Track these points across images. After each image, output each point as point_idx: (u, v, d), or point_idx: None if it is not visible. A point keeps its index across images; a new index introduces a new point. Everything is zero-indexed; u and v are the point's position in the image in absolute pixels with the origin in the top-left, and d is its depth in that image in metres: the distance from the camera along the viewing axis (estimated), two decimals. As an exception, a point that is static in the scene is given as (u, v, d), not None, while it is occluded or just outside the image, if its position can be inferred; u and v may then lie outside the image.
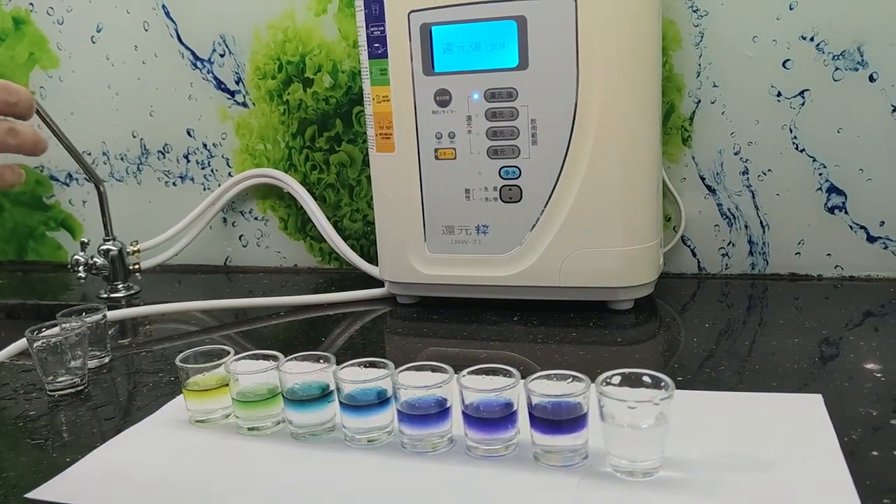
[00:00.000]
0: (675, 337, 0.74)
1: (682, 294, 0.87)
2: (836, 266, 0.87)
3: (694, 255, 0.92)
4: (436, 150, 0.78)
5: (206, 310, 0.87)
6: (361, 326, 0.82)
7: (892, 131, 0.82)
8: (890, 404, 0.55)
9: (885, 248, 0.85)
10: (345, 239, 0.99)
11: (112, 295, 0.97)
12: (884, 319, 0.76)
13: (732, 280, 0.90)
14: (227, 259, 1.09)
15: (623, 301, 0.79)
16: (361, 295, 0.88)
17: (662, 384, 0.47)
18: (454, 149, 0.78)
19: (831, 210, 0.86)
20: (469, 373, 0.51)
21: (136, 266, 0.99)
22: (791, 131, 0.85)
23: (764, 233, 0.89)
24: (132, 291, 0.98)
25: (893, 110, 0.82)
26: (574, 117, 0.74)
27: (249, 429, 0.56)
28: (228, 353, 0.58)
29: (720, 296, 0.86)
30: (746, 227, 0.89)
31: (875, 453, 0.48)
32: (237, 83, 1.02)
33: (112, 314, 0.81)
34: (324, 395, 0.54)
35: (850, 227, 0.86)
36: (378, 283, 0.89)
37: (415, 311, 0.84)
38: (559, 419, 0.48)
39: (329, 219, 1.00)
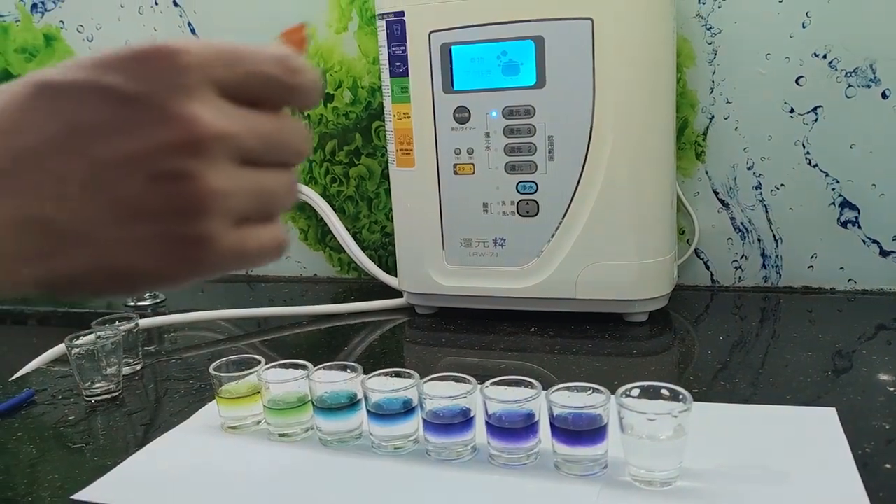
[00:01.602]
0: (689, 349, 0.75)
1: (696, 306, 0.88)
2: (849, 280, 0.89)
3: (707, 267, 0.93)
4: (455, 166, 0.80)
5: (230, 318, 0.89)
6: (381, 336, 0.84)
7: (903, 147, 0.84)
8: (900, 416, 0.56)
9: (897, 261, 0.86)
10: (363, 250, 1.01)
11: (139, 303, 0.99)
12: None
13: (746, 293, 0.91)
14: (248, 269, 1.12)
15: (638, 314, 0.80)
16: (381, 305, 0.90)
17: (681, 397, 0.48)
18: (473, 164, 0.80)
19: (844, 224, 0.87)
20: (492, 384, 0.53)
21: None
22: (804, 147, 0.87)
23: (777, 246, 0.90)
24: (158, 300, 1.00)
25: (905, 126, 0.83)
26: (590, 134, 0.76)
27: (280, 435, 0.58)
28: (259, 361, 0.60)
29: (733, 308, 0.87)
30: (759, 240, 0.91)
31: (888, 466, 0.50)
32: (260, 98, 1.04)
33: (143, 322, 0.83)
34: (352, 403, 0.56)
35: (864, 242, 0.87)
36: (397, 293, 0.91)
37: (433, 321, 0.86)
38: (580, 430, 0.50)
39: (348, 230, 1.02)
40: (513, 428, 0.52)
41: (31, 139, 0.26)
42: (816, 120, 0.86)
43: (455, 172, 0.81)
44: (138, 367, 0.75)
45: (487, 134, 0.79)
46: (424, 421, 0.54)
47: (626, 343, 0.76)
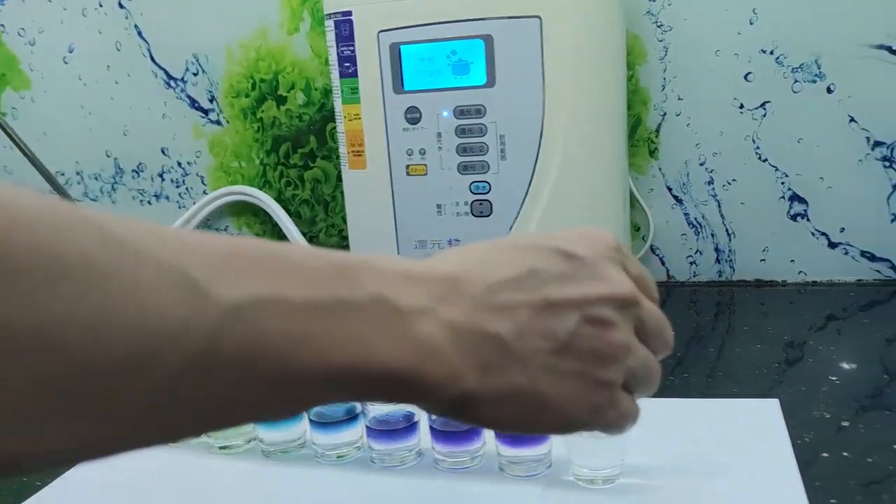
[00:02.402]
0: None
1: (652, 302, 0.89)
2: (800, 272, 0.89)
3: (663, 263, 0.94)
4: (407, 167, 0.80)
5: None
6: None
7: (849, 140, 0.85)
8: (843, 407, 0.57)
9: (846, 253, 0.87)
10: (320, 254, 1.00)
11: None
12: (845, 323, 0.78)
13: (700, 287, 0.92)
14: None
15: (592, 311, 0.80)
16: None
17: (621, 395, 0.48)
18: (425, 165, 0.79)
19: (794, 217, 0.88)
20: (436, 387, 0.52)
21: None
22: (754, 142, 0.87)
23: (730, 241, 0.91)
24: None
25: (850, 120, 0.84)
26: (541, 133, 0.76)
27: (221, 447, 0.57)
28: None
29: (689, 303, 0.88)
30: (713, 235, 0.91)
31: (825, 455, 0.50)
32: (211, 101, 1.03)
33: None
34: (295, 411, 0.55)
35: (812, 234, 0.88)
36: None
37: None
38: (523, 431, 0.49)
39: (304, 234, 1.01)
40: (457, 431, 0.51)
41: (500, 274, 0.32)
42: (765, 115, 0.86)
43: (408, 174, 0.80)
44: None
45: (439, 134, 0.78)
46: (368, 427, 0.53)
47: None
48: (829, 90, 0.84)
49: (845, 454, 0.50)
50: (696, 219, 0.91)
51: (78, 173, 1.11)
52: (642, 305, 0.34)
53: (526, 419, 0.32)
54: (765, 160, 0.88)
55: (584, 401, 0.32)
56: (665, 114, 0.89)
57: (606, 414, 0.33)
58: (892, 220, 0.86)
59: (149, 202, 1.10)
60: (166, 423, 0.25)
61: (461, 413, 0.31)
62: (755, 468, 0.48)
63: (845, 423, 0.54)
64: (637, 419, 0.36)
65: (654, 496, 0.46)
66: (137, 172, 1.09)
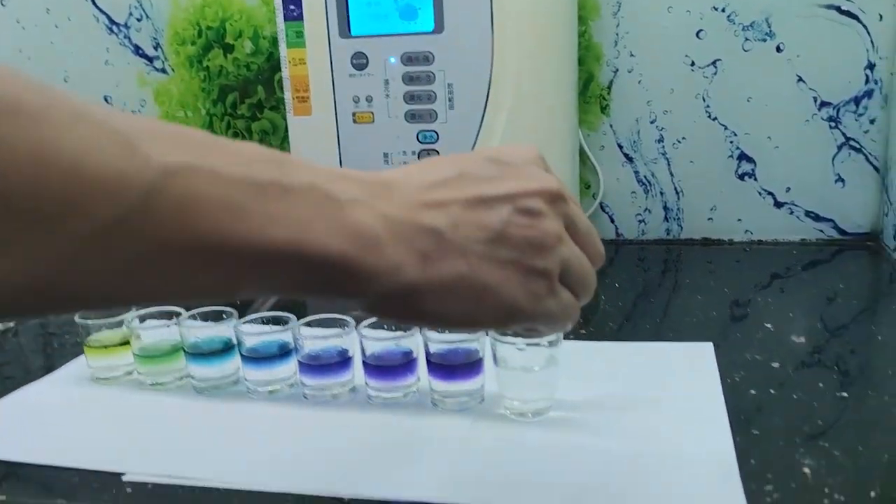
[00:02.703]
0: (592, 301, 0.75)
1: (601, 259, 0.89)
2: (746, 231, 0.90)
3: (612, 221, 0.94)
4: (353, 114, 0.78)
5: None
6: (291, 304, 0.81)
7: (797, 100, 0.85)
8: (775, 351, 0.57)
9: (791, 212, 0.88)
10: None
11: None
12: (789, 281, 0.79)
13: (648, 245, 0.92)
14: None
15: (538, 263, 0.80)
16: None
17: (553, 328, 0.48)
18: (372, 113, 0.78)
19: (742, 177, 0.89)
20: (369, 323, 0.52)
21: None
22: (704, 100, 0.87)
23: (678, 199, 0.91)
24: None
25: (799, 80, 0.84)
26: (490, 83, 0.75)
27: (152, 384, 0.56)
28: (129, 309, 0.57)
29: (637, 261, 0.88)
30: (662, 193, 0.91)
31: (753, 392, 0.50)
32: (155, 49, 1.00)
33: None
34: (226, 348, 0.54)
35: (759, 193, 0.89)
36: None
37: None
38: (455, 364, 0.49)
39: (252, 187, 0.99)
40: (390, 366, 0.51)
41: (433, 177, 0.33)
42: (716, 73, 0.86)
43: (354, 121, 0.79)
44: (11, 324, 0.72)
45: (386, 81, 0.77)
46: (300, 363, 0.52)
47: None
48: (778, 49, 0.84)
49: (772, 391, 0.51)
50: (645, 177, 0.91)
51: (18, 122, 1.07)
52: (570, 204, 0.35)
53: (468, 309, 0.33)
54: (714, 119, 0.88)
55: (523, 288, 0.33)
56: (617, 70, 0.89)
57: (546, 302, 0.34)
58: (836, 181, 0.87)
59: (92, 153, 1.06)
60: (104, 274, 0.25)
61: (404, 307, 0.32)
62: (683, 403, 0.49)
63: (775, 365, 0.55)
64: (577, 317, 0.37)
65: (581, 427, 0.46)
66: (80, 122, 1.05)
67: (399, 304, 0.32)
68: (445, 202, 0.32)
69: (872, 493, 0.39)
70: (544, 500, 0.39)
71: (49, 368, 0.61)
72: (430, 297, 0.32)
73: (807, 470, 0.41)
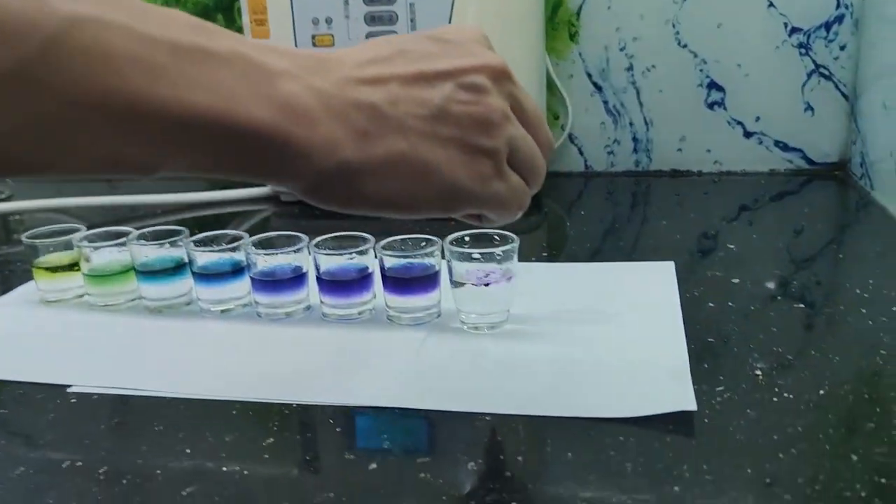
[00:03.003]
0: (561, 232, 0.74)
1: (569, 192, 0.88)
2: (715, 162, 0.89)
3: (581, 153, 0.92)
4: (313, 37, 0.76)
5: (79, 208, 0.84)
6: (247, 228, 0.80)
7: (768, 27, 0.84)
8: (736, 269, 0.57)
9: (760, 143, 0.88)
10: (232, 141, 0.96)
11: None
12: (757, 213, 0.78)
13: (618, 177, 0.91)
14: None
15: (504, 192, 0.79)
16: (244, 194, 0.86)
17: (509, 240, 0.47)
18: (332, 35, 0.76)
19: (711, 106, 0.88)
20: (323, 239, 0.51)
21: (10, 171, 0.94)
22: (674, 27, 0.86)
23: (648, 130, 0.90)
24: (3, 195, 0.93)
25: (769, 5, 0.83)
26: (452, 4, 0.72)
27: (104, 306, 0.55)
28: (79, 229, 0.56)
29: (606, 193, 0.87)
30: (631, 124, 0.90)
31: (711, 305, 0.50)
32: (112, -24, 0.96)
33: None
34: (177, 267, 0.53)
35: (728, 123, 0.88)
36: (262, 182, 0.87)
37: (297, 208, 0.83)
38: (410, 278, 0.48)
39: (215, 120, 0.96)
40: (345, 281, 0.50)
41: (370, 54, 0.32)
42: (686, -2, 0.85)
43: (314, 44, 0.76)
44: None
45: (346, 2, 0.74)
46: (254, 280, 0.51)
47: (492, 226, 0.74)
48: (749, -27, 0.82)
49: (730, 304, 0.50)
50: (614, 107, 0.90)
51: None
52: (516, 84, 0.34)
53: (411, 190, 0.32)
54: (684, 46, 0.86)
55: (467, 168, 0.32)
56: (586, -5, 0.87)
57: (493, 184, 0.33)
58: (806, 110, 0.86)
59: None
60: (4, 133, 0.24)
61: (343, 189, 0.31)
62: (641, 315, 0.48)
63: (735, 280, 0.54)
64: (526, 204, 0.36)
65: (536, 338, 0.46)
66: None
67: (337, 186, 0.30)
68: (383, 78, 0.31)
69: (821, 392, 0.38)
70: (496, 404, 0.39)
71: (-2, 293, 0.59)
72: (369, 178, 0.31)
73: (759, 373, 0.41)
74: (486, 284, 0.46)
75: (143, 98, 0.25)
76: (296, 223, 0.79)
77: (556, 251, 0.69)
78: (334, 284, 0.50)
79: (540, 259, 0.63)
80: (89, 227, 0.57)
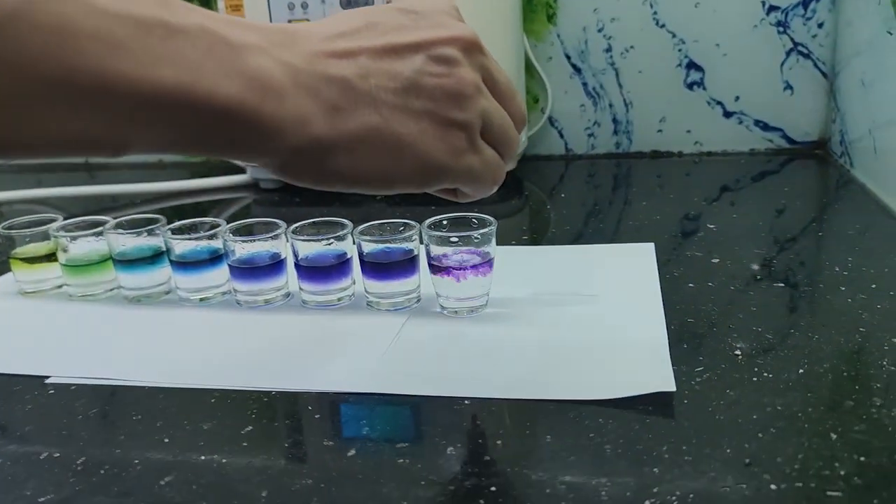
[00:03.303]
0: (543, 216, 0.74)
1: (551, 175, 0.88)
2: (696, 142, 0.90)
3: (561, 136, 0.92)
4: (289, 22, 0.75)
5: (57, 198, 0.83)
6: (227, 216, 0.80)
7: (745, 5, 0.84)
8: (717, 249, 0.57)
9: (740, 122, 0.88)
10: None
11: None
12: (738, 193, 0.78)
13: (599, 160, 0.91)
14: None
15: (485, 176, 0.79)
16: (223, 182, 0.85)
17: (487, 223, 0.47)
18: (308, 19, 0.75)
19: (690, 86, 0.88)
20: (300, 226, 0.50)
21: (-15, 162, 0.93)
22: (652, 6, 0.85)
23: (627, 111, 0.90)
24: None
25: (748, -16, 0.83)
26: (430, -14, 0.72)
27: (82, 296, 0.54)
28: (56, 219, 0.55)
29: (587, 176, 0.87)
30: (611, 106, 0.90)
31: (691, 285, 0.50)
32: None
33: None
34: (155, 255, 0.52)
35: (708, 103, 0.88)
36: (242, 170, 0.86)
37: (277, 195, 0.82)
38: (389, 263, 0.48)
39: (192, 107, 0.95)
40: (324, 267, 0.49)
41: (339, 28, 0.31)
42: (664, -22, 0.84)
43: (290, 30, 0.75)
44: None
45: (321, -14, 0.74)
46: (232, 268, 0.51)
47: (474, 207, 0.74)
48: (726, -49, 0.82)
49: (710, 284, 0.50)
50: (594, 89, 0.90)
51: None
52: (488, 57, 0.34)
53: (384, 165, 0.31)
54: (662, 26, 0.86)
55: (441, 142, 0.32)
56: (564, -24, 0.86)
57: (467, 158, 0.33)
58: (785, 89, 0.86)
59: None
60: None
61: (316, 165, 0.30)
62: (620, 296, 0.48)
63: (715, 260, 0.55)
64: (501, 178, 0.36)
65: (516, 321, 0.46)
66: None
67: (310, 163, 0.30)
68: (353, 51, 0.31)
69: (801, 371, 0.39)
70: (475, 388, 0.38)
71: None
72: (342, 154, 0.30)
73: (738, 353, 0.41)
74: (463, 269, 0.46)
75: (107, 75, 0.24)
76: (276, 210, 0.79)
77: (537, 235, 0.69)
78: (313, 271, 0.50)
79: (521, 243, 0.63)
80: (68, 217, 0.56)
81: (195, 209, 0.81)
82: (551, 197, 0.81)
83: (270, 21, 0.75)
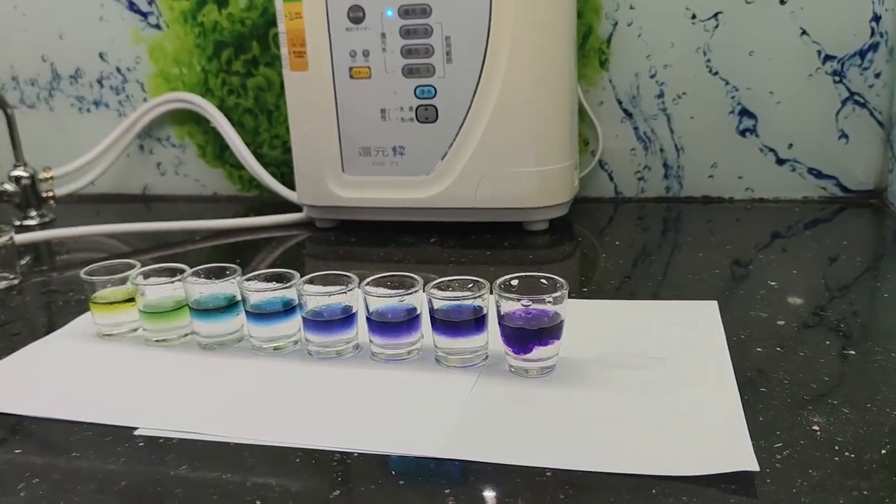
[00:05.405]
0: (592, 259, 0.75)
1: (599, 217, 0.88)
2: (747, 188, 0.90)
3: (611, 179, 0.93)
4: (350, 69, 0.77)
5: (120, 234, 0.85)
6: (281, 252, 0.81)
7: (800, 54, 0.84)
8: (779, 308, 0.57)
9: (793, 170, 0.88)
10: (265, 167, 0.97)
11: (25, 223, 0.94)
12: (790, 240, 0.78)
13: (648, 203, 0.92)
14: (145, 188, 1.07)
15: (538, 221, 0.80)
16: (279, 220, 0.87)
17: (558, 285, 0.48)
18: (369, 67, 0.77)
19: (743, 133, 0.88)
20: (373, 280, 0.52)
21: (50, 193, 0.96)
22: (705, 54, 0.86)
23: (678, 156, 0.90)
24: (46, 220, 0.95)
25: (802, 33, 0.83)
26: (488, 36, 0.73)
27: (157, 341, 0.56)
28: (134, 266, 0.57)
29: (636, 219, 0.87)
30: (662, 150, 0.91)
31: (759, 350, 0.51)
32: (150, 4, 0.98)
33: (22, 237, 0.79)
34: (230, 305, 0.54)
35: (761, 150, 0.88)
36: (297, 208, 0.88)
37: (333, 235, 0.84)
38: (459, 321, 0.49)
39: (248, 145, 0.98)
40: (394, 322, 0.51)
41: None
42: (717, 26, 0.85)
43: (351, 76, 0.77)
44: (16, 282, 0.71)
45: (383, 35, 0.75)
46: (305, 319, 0.52)
47: (526, 251, 0.75)
48: (781, 1, 0.83)
49: (778, 349, 0.51)
50: (645, 133, 0.90)
51: (13, 78, 1.06)
52: None
53: None
54: (715, 73, 0.87)
55: None
56: (616, 23, 0.88)
57: None
58: (840, 137, 0.86)
59: (88, 109, 1.05)
60: None
61: None
62: (690, 361, 0.49)
63: (780, 323, 0.55)
64: None
65: (587, 385, 0.46)
66: (75, 78, 1.04)
67: None
68: None
69: (883, 451, 0.39)
70: (552, 455, 0.39)
71: (53, 326, 0.61)
72: None
73: (816, 427, 0.41)
74: (536, 330, 0.47)
75: None
76: (331, 249, 0.80)
77: (587, 277, 0.69)
78: (383, 325, 0.51)
79: (572, 287, 0.64)
80: (131, 253, 0.58)
81: (251, 246, 0.83)
82: (599, 238, 0.82)
83: (333, 67, 0.77)
